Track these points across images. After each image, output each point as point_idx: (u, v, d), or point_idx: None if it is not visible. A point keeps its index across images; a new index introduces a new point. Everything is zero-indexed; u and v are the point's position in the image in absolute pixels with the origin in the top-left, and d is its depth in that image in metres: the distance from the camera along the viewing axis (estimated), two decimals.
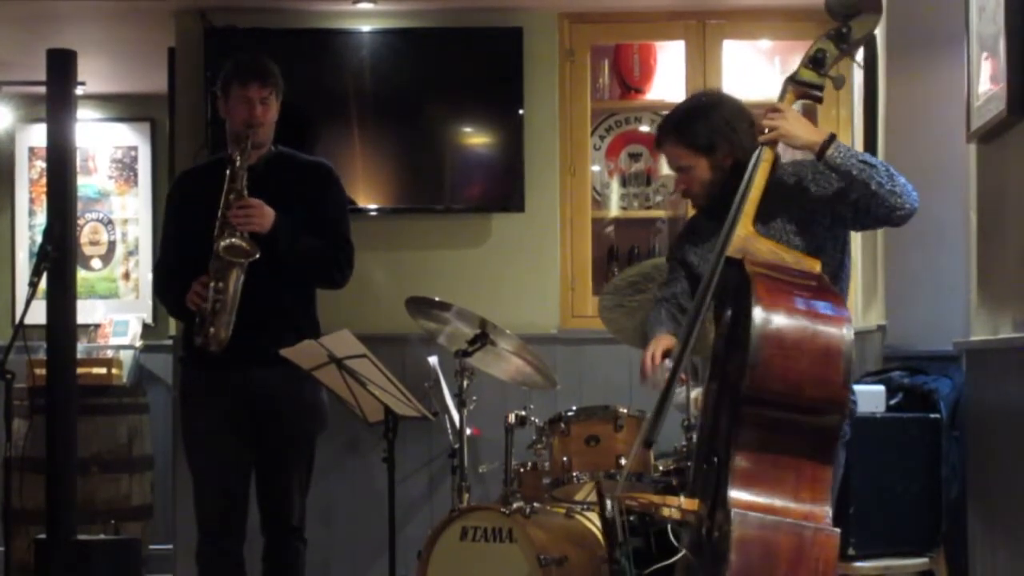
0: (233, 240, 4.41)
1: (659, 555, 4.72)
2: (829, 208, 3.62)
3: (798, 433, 3.21)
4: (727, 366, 3.38)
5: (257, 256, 4.40)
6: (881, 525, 4.57)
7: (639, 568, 4.71)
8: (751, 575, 3.12)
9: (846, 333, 3.21)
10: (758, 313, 3.20)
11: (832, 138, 3.53)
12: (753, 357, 3.18)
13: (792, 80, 3.60)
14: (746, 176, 3.55)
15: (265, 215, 4.44)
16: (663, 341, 3.77)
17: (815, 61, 3.57)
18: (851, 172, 3.49)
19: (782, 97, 3.60)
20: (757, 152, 3.57)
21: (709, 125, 3.70)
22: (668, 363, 3.69)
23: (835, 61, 3.59)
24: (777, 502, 3.18)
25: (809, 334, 3.20)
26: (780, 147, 3.68)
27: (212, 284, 4.41)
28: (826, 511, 3.19)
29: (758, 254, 3.42)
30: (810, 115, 5.54)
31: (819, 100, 3.64)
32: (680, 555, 3.47)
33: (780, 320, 3.20)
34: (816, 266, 3.41)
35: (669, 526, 4.52)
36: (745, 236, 3.46)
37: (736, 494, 3.19)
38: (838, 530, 3.17)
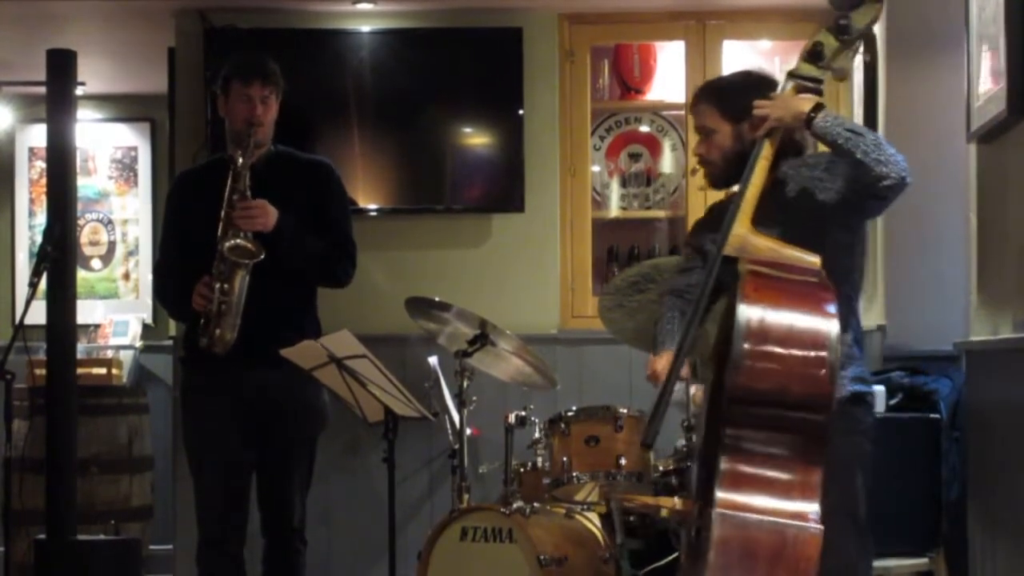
0: (238, 241, 4.39)
1: (661, 557, 4.74)
2: (841, 195, 3.59)
3: (785, 431, 3.20)
4: (721, 366, 3.38)
5: (262, 257, 4.39)
6: (881, 525, 4.56)
7: (638, 568, 4.73)
8: (728, 574, 3.12)
9: (832, 327, 3.19)
10: (742, 310, 3.19)
11: (819, 107, 3.49)
12: (737, 355, 3.17)
13: (791, 74, 3.58)
14: (745, 173, 3.54)
15: (268, 215, 4.43)
16: (668, 359, 3.75)
17: (813, 54, 3.54)
18: (836, 140, 3.45)
19: (782, 91, 3.57)
20: (756, 148, 3.55)
21: (746, 96, 3.65)
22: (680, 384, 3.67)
23: (836, 54, 3.54)
24: (764, 502, 3.17)
25: (794, 331, 3.18)
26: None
27: (217, 285, 4.40)
28: (814, 509, 3.18)
29: (756, 251, 3.39)
30: None
31: (819, 93, 3.60)
32: (673, 556, 3.46)
33: (764, 317, 3.19)
34: (817, 261, 3.36)
35: (669, 528, 4.54)
36: (743, 234, 3.43)
37: (723, 494, 3.19)
38: (821, 527, 3.16)
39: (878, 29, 5.30)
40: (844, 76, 3.62)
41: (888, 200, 3.55)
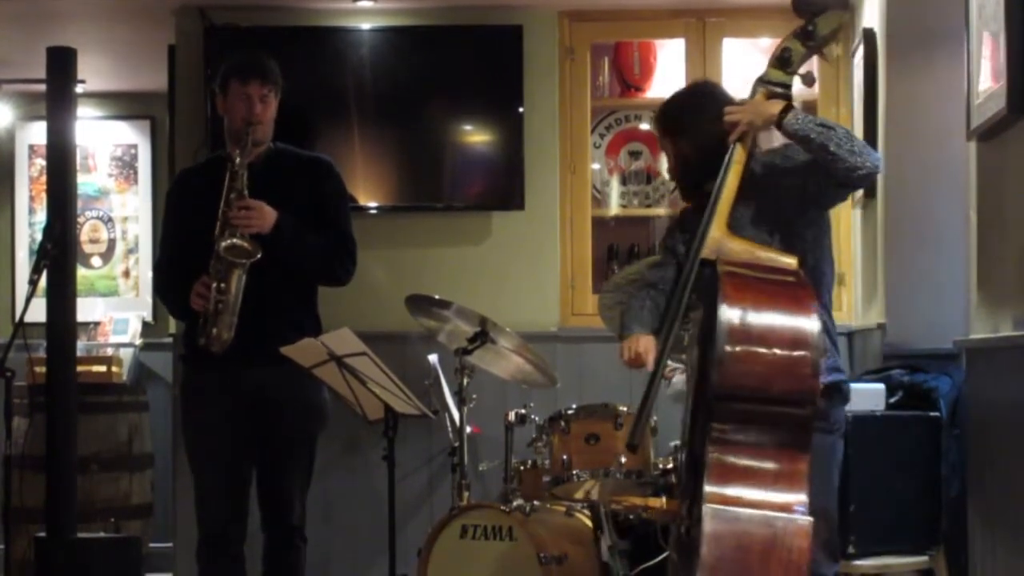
0: (235, 240, 4.39)
1: (651, 556, 4.75)
2: (800, 189, 3.62)
3: (771, 426, 3.25)
4: (702, 364, 3.41)
5: (259, 256, 4.39)
6: (881, 523, 4.57)
7: (629, 568, 4.73)
8: (723, 568, 3.15)
9: (813, 325, 3.24)
10: (724, 310, 3.24)
11: (788, 107, 3.57)
12: (721, 353, 3.22)
13: (760, 80, 3.67)
14: (719, 177, 3.57)
15: (266, 216, 4.43)
16: (645, 342, 3.77)
17: (782, 60, 3.65)
18: (809, 136, 3.53)
19: (752, 97, 3.66)
20: (729, 152, 3.60)
21: (681, 110, 3.80)
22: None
23: (803, 59, 3.65)
24: (752, 495, 3.20)
25: (775, 328, 3.25)
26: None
27: (214, 285, 4.40)
28: (802, 500, 3.21)
29: (732, 254, 3.47)
30: (812, 110, 5.55)
31: (788, 99, 3.67)
32: (664, 555, 3.48)
33: (746, 316, 3.24)
34: (793, 262, 3.44)
35: (657, 527, 4.55)
36: (719, 237, 3.51)
37: (711, 489, 3.21)
38: (810, 518, 3.19)
39: (878, 26, 5.30)
40: (812, 82, 3.70)
41: (856, 188, 3.67)
